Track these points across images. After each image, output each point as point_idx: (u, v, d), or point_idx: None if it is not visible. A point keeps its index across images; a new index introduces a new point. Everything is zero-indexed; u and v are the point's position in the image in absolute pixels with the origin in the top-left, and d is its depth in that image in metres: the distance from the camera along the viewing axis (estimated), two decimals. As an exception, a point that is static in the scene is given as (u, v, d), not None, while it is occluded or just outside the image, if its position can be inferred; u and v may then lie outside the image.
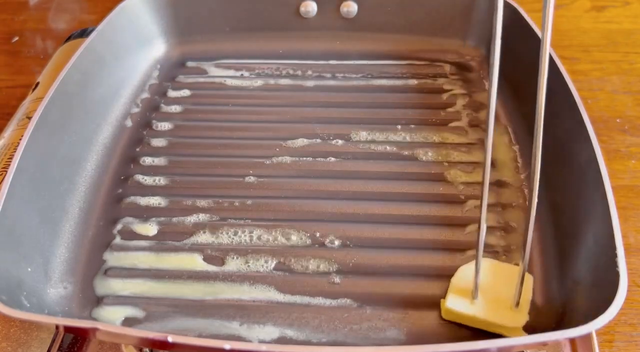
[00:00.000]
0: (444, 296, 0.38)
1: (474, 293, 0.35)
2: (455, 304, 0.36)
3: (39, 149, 0.41)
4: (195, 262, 0.40)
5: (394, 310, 0.37)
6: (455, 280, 0.37)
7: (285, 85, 0.54)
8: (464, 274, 0.37)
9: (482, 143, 0.48)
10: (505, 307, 0.35)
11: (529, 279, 0.37)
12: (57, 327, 0.34)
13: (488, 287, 0.36)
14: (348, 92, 0.53)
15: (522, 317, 0.35)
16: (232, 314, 0.37)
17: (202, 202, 0.44)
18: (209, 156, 0.48)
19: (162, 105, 0.53)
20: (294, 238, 0.41)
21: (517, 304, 0.35)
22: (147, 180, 0.46)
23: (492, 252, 0.40)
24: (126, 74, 0.53)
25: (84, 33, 0.58)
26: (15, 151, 0.39)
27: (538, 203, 0.42)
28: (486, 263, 0.37)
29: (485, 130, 0.32)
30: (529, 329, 0.36)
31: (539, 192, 0.43)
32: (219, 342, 0.30)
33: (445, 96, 0.52)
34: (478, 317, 0.35)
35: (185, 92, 0.54)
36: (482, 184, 0.33)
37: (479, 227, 0.33)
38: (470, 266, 0.36)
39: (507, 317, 0.35)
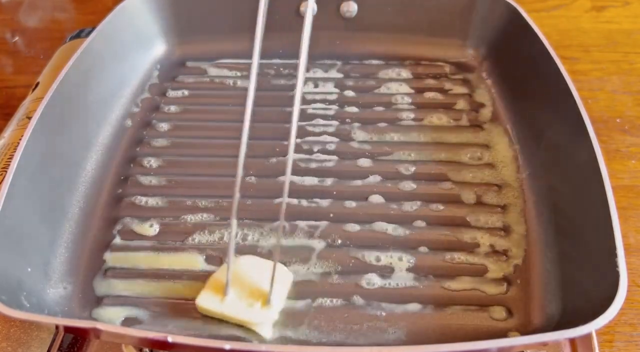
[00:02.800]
0: (444, 297, 0.38)
1: (225, 290, 0.36)
2: (205, 301, 0.36)
3: (39, 149, 0.41)
4: (195, 262, 0.40)
5: (394, 310, 0.37)
6: (216, 275, 0.37)
7: (285, 85, 0.54)
8: (224, 270, 0.36)
9: (483, 143, 0.48)
10: (256, 303, 0.35)
11: (288, 277, 0.38)
12: (57, 327, 0.34)
13: (245, 284, 0.36)
14: (348, 92, 0.53)
15: (270, 315, 0.35)
16: (232, 314, 0.37)
17: (202, 202, 0.44)
18: (209, 156, 0.47)
19: (162, 105, 0.53)
20: (294, 238, 0.41)
21: (269, 301, 0.35)
22: (147, 180, 0.46)
23: (492, 252, 0.40)
24: (126, 74, 0.53)
25: (83, 33, 0.58)
26: (15, 151, 0.39)
27: (539, 204, 0.43)
28: (249, 260, 0.38)
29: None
30: (530, 329, 0.36)
31: (540, 193, 0.43)
32: (219, 342, 0.30)
33: (445, 96, 0.52)
34: (225, 313, 0.35)
35: (185, 92, 0.54)
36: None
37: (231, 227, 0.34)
38: (235, 261, 0.36)
39: (255, 314, 0.35)
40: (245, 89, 0.54)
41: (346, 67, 0.56)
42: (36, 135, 0.41)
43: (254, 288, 0.36)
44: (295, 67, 0.55)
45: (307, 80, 0.54)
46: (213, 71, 0.56)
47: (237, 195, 0.33)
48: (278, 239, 0.35)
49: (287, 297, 0.37)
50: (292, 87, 0.54)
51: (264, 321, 0.35)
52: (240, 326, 0.36)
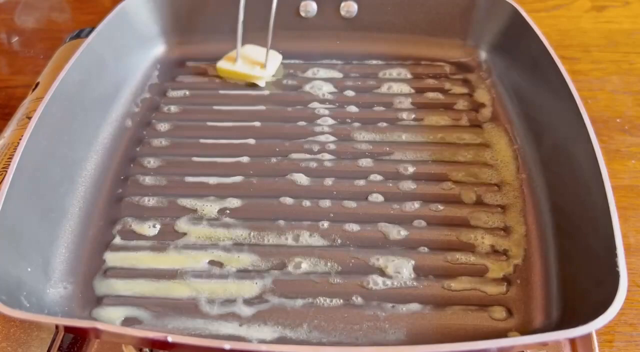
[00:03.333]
0: (444, 297, 0.38)
1: (236, 59, 0.54)
2: (223, 64, 0.54)
3: (39, 149, 0.41)
4: (195, 262, 0.40)
5: (394, 310, 0.37)
6: (229, 54, 0.54)
7: (284, 85, 0.54)
8: (236, 51, 0.54)
9: (483, 143, 0.48)
10: (257, 66, 0.54)
11: (278, 56, 0.55)
12: (57, 327, 0.34)
13: (249, 57, 0.54)
14: (348, 92, 0.53)
15: (266, 72, 0.53)
16: (231, 314, 0.37)
17: (202, 202, 0.44)
18: (209, 156, 0.47)
19: (162, 105, 0.53)
20: (295, 238, 0.41)
21: (265, 65, 0.53)
22: (147, 180, 0.46)
23: (492, 252, 0.40)
24: (126, 74, 0.53)
25: (83, 33, 0.58)
26: (15, 151, 0.39)
27: (539, 204, 0.43)
28: (251, 46, 0.55)
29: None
30: (530, 329, 0.36)
31: (540, 193, 0.43)
32: (219, 342, 0.30)
33: (445, 96, 0.52)
34: (237, 70, 0.53)
35: (185, 92, 0.54)
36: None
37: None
38: (242, 48, 0.54)
39: (256, 71, 0.53)
40: (245, 89, 0.54)
41: (346, 67, 0.56)
42: (36, 135, 0.41)
43: (255, 60, 0.54)
44: (295, 67, 0.56)
45: (307, 80, 0.55)
46: (213, 71, 0.56)
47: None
48: (270, 25, 0.52)
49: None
50: (293, 87, 0.54)
51: (262, 75, 0.53)
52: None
